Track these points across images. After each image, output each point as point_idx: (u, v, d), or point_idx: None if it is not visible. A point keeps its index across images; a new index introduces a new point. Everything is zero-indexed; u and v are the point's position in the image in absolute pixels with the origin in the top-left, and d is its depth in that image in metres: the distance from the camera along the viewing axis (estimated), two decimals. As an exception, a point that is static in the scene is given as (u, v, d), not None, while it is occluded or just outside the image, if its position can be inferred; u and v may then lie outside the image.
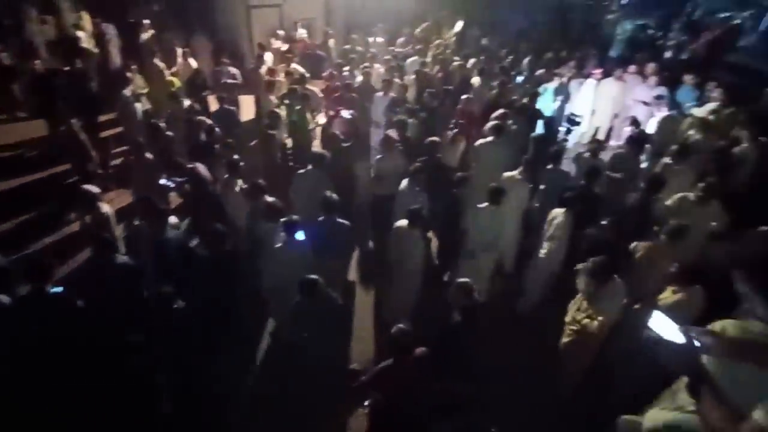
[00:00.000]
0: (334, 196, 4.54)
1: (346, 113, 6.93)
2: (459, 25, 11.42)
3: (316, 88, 8.10)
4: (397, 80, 8.06)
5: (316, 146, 6.97)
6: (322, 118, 7.44)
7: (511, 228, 5.56)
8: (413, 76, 8.55)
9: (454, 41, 11.22)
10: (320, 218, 4.54)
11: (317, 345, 3.78)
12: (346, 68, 8.91)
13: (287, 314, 3.94)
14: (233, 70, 8.71)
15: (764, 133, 6.00)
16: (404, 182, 5.33)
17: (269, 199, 4.66)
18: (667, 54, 9.52)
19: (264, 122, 6.37)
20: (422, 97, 7.53)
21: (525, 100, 7.47)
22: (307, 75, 8.64)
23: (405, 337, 3.15)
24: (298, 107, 7.09)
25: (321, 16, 11.95)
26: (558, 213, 4.93)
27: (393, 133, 6.36)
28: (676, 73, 8.30)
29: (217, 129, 6.24)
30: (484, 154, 6.00)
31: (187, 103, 7.15)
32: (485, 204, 4.83)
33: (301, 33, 11.25)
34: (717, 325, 1.80)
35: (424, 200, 5.07)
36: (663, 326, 1.63)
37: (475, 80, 8.57)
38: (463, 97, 7.19)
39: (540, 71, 8.87)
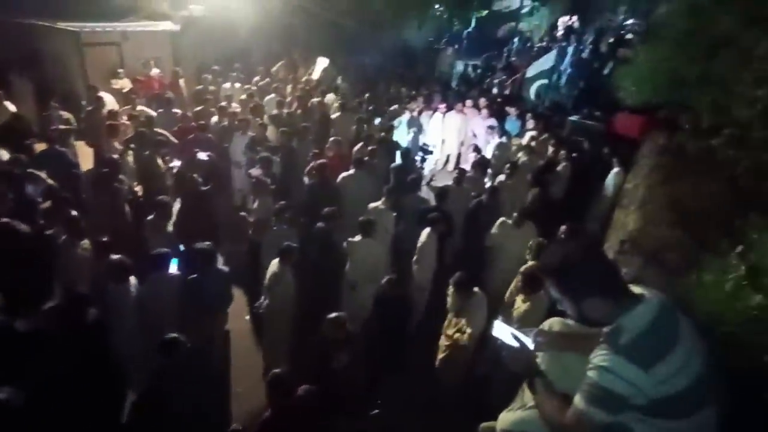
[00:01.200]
0: (208, 244, 4.26)
1: (202, 155, 6.59)
2: (323, 63, 11.76)
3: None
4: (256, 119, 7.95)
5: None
6: (176, 162, 6.97)
7: (383, 255, 5.83)
8: (274, 112, 8.52)
9: (316, 79, 11.50)
10: (196, 273, 4.20)
11: (189, 408, 3.42)
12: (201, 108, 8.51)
13: (150, 378, 3.52)
14: (65, 114, 7.70)
15: (571, 152, 7.33)
16: (272, 221, 5.26)
17: (116, 257, 4.15)
18: (494, 90, 11.09)
19: (105, 171, 5.71)
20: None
21: (383, 134, 7.96)
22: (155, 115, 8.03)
23: (279, 382, 3.03)
24: (146, 152, 6.54)
25: (168, 54, 11.27)
26: (423, 234, 5.30)
27: (258, 172, 6.28)
28: (501, 106, 9.71)
29: (50, 180, 5.41)
30: (349, 187, 6.20)
31: (4, 153, 6.08)
32: (358, 237, 4.96)
33: (156, 72, 10.45)
34: (546, 324, 2.10)
35: (294, 238, 5.04)
36: (502, 333, 1.84)
37: (337, 116, 8.88)
38: (331, 139, 7.39)
39: (394, 106, 9.57)
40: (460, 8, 12.84)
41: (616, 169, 6.67)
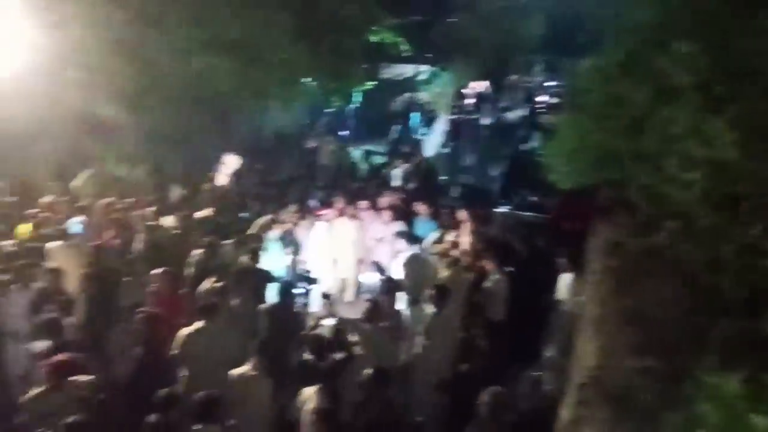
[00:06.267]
0: None
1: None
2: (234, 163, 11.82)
3: None
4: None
5: None
6: None
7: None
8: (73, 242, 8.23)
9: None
10: None
11: None
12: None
13: None
14: None
15: (506, 260, 7.83)
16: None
17: None
18: (395, 183, 11.82)
19: None
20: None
21: (245, 260, 7.93)
22: None
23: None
24: None
25: None
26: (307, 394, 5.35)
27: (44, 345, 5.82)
28: (408, 204, 10.28)
29: None
30: (195, 349, 5.98)
31: None
32: (200, 426, 4.80)
33: None
34: None
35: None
36: None
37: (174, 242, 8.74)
38: (156, 271, 7.19)
39: (263, 218, 9.65)
40: (337, 80, 13.92)
41: (567, 275, 7.19)
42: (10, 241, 8.25)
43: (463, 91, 16.97)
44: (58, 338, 5.97)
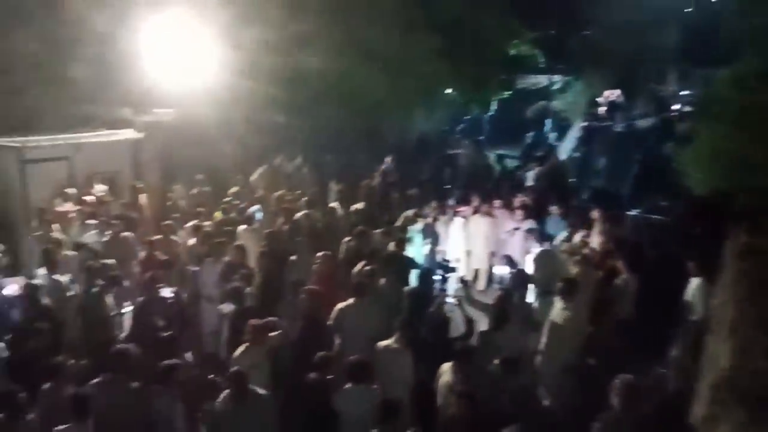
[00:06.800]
0: None
1: (167, 291, 6.82)
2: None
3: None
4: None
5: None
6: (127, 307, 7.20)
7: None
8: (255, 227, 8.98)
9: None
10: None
11: None
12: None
13: None
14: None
15: (636, 260, 7.38)
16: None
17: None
18: (528, 184, 11.57)
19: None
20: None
21: (391, 248, 8.16)
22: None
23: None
24: (94, 289, 6.78)
25: (128, 168, 12.09)
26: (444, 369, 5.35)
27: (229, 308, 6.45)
28: (540, 204, 10.04)
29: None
30: (348, 321, 6.22)
31: None
32: (349, 385, 4.98)
33: (100, 190, 11.10)
34: None
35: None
36: None
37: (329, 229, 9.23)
38: (319, 254, 7.60)
39: (408, 212, 9.92)
40: (476, 91, 13.87)
41: (696, 280, 6.65)
42: (208, 222, 9.21)
43: (596, 99, 16.23)
44: (240, 304, 6.54)
